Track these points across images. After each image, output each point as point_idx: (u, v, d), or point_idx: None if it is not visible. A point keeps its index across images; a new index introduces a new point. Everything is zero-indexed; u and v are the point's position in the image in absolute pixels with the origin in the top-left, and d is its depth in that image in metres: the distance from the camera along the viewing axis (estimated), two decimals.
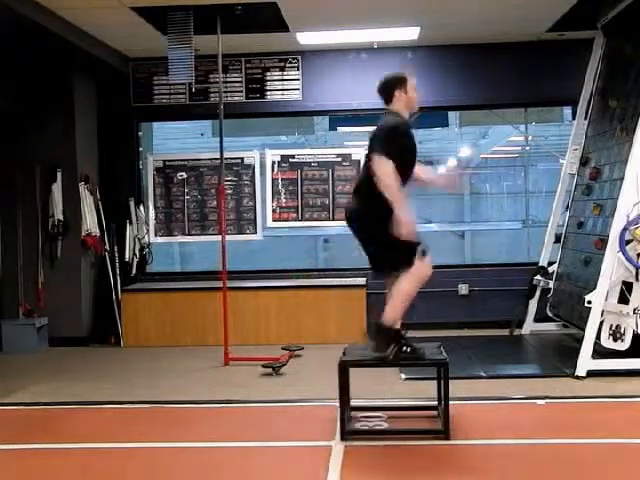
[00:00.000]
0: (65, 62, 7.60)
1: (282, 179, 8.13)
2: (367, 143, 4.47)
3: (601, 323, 5.69)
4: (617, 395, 5.17)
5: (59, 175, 7.71)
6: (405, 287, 4.21)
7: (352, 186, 4.42)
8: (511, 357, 6.70)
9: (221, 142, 6.84)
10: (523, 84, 7.94)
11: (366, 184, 4.28)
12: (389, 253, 4.24)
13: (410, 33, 7.49)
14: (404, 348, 4.37)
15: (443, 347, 4.57)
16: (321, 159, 8.15)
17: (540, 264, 7.51)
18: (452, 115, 10.26)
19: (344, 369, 4.37)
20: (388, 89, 4.43)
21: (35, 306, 7.68)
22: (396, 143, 4.20)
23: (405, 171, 4.27)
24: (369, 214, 4.26)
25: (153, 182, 8.21)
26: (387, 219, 4.11)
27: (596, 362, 5.69)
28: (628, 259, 5.59)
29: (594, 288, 5.74)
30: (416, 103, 4.48)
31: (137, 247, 8.16)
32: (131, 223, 8.16)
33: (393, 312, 4.25)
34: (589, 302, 5.69)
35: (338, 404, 4.35)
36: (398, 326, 4.35)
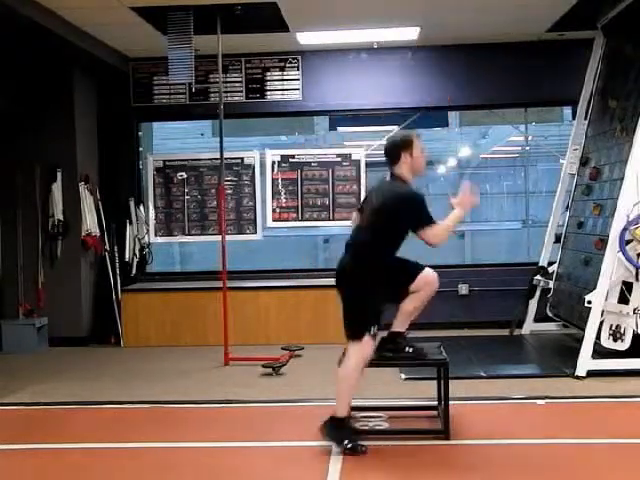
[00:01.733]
0: (65, 62, 7.60)
1: (282, 179, 8.12)
2: (367, 196, 4.52)
3: (601, 323, 5.69)
4: (617, 395, 5.17)
5: (59, 175, 7.71)
6: (345, 371, 4.18)
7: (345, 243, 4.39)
8: (511, 357, 6.70)
9: (221, 142, 6.84)
10: (523, 84, 7.93)
11: (359, 243, 4.29)
12: (349, 314, 4.24)
13: (410, 33, 7.49)
14: (406, 349, 4.39)
15: (443, 347, 4.57)
16: (321, 159, 8.14)
17: (540, 264, 7.51)
18: (452, 115, 10.28)
19: None
20: (395, 151, 4.32)
21: (35, 306, 7.68)
22: (424, 209, 4.18)
23: (401, 233, 4.28)
24: (354, 270, 4.23)
25: (153, 182, 8.21)
26: (366, 281, 4.15)
27: (596, 362, 5.69)
28: (628, 259, 5.59)
29: (594, 288, 5.74)
30: (423, 167, 4.39)
31: (137, 247, 8.16)
32: (131, 223, 8.15)
33: (340, 402, 4.17)
34: (589, 302, 5.69)
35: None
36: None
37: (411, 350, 4.39)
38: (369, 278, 4.16)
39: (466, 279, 8.08)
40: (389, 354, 4.35)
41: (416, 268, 4.31)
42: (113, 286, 7.92)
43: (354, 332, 4.17)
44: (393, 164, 4.32)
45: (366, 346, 4.14)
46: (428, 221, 4.13)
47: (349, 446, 4.08)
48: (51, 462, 4.17)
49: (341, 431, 4.12)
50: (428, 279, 4.30)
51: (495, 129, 12.15)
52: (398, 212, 4.18)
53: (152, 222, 8.19)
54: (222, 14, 6.55)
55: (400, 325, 4.39)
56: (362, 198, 4.39)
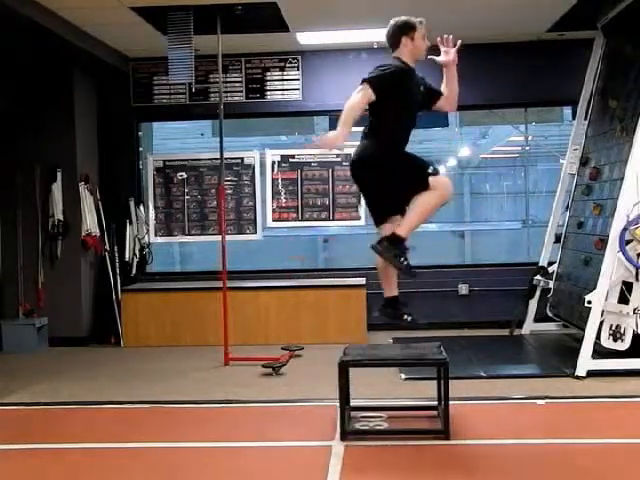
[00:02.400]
0: (65, 62, 7.60)
1: (282, 179, 8.13)
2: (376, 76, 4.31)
3: (601, 323, 5.69)
4: (617, 395, 5.16)
5: (59, 175, 7.71)
6: (428, 200, 4.08)
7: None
8: (511, 357, 6.70)
9: (221, 142, 6.84)
10: (523, 84, 7.93)
11: (368, 127, 4.25)
12: (401, 178, 4.13)
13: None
14: (405, 317, 4.39)
15: (443, 347, 4.57)
16: (321, 159, 8.14)
17: (540, 264, 7.50)
18: (452, 115, 10.26)
19: (344, 369, 4.37)
20: (395, 35, 4.27)
21: (35, 306, 7.68)
22: (387, 81, 4.09)
23: (401, 116, 4.21)
24: (373, 152, 4.18)
25: (153, 182, 8.21)
26: (389, 152, 4.11)
27: (596, 362, 5.69)
28: (628, 259, 5.59)
29: (594, 288, 5.74)
30: (423, 52, 4.32)
31: (137, 247, 8.16)
32: (131, 223, 8.16)
33: (412, 224, 4.13)
34: (589, 302, 5.69)
35: (338, 404, 4.35)
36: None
37: (409, 319, 4.38)
38: (388, 156, 4.13)
39: (466, 279, 8.07)
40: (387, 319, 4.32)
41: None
42: (113, 286, 7.92)
43: (423, 181, 4.06)
44: (394, 48, 4.28)
45: (441, 182, 4.09)
46: (368, 79, 4.07)
47: (405, 263, 4.06)
48: (51, 462, 4.17)
49: (400, 249, 4.09)
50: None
51: (495, 129, 12.13)
52: (410, 87, 4.18)
53: (152, 222, 8.19)
54: (222, 14, 6.55)
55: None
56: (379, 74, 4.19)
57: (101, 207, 8.00)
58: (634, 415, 4.83)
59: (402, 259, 4.14)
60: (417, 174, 4.16)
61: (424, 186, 4.11)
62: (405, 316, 4.38)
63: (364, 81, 4.06)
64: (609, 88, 6.87)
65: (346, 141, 4.02)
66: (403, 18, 4.37)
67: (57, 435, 4.70)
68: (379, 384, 5.49)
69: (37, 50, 7.31)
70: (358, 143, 4.33)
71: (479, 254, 12.28)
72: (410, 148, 4.41)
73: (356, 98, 4.06)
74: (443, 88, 4.41)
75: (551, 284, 7.26)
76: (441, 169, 10.89)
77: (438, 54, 4.37)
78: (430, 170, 4.13)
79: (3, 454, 4.34)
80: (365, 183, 4.35)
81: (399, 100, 4.18)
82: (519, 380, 5.70)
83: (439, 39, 4.28)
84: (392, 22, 4.36)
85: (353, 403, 4.60)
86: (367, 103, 4.14)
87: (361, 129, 4.35)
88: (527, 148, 9.06)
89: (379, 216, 4.39)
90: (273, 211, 8.15)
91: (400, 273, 4.27)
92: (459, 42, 4.31)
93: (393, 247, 4.14)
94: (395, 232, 4.18)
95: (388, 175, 4.17)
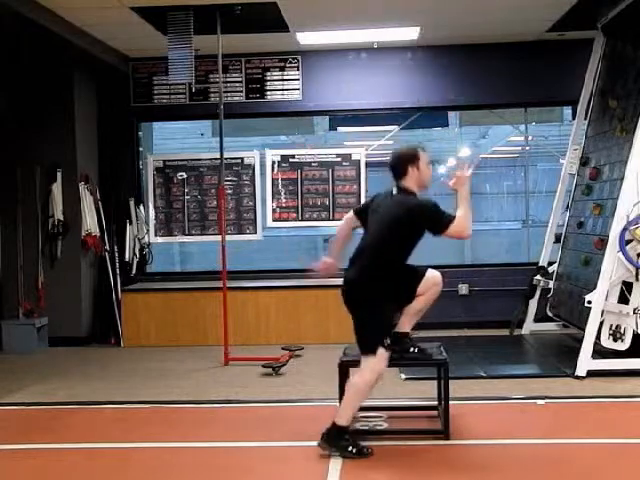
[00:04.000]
0: (65, 62, 7.60)
1: (282, 179, 8.12)
2: (370, 205, 4.46)
3: (601, 323, 5.69)
4: (617, 395, 5.17)
5: (59, 175, 7.71)
6: (359, 382, 4.12)
7: (350, 258, 4.35)
8: (511, 357, 6.70)
9: (221, 142, 6.84)
10: (523, 84, 7.93)
11: (368, 252, 4.24)
12: (362, 330, 4.17)
13: (410, 33, 7.49)
14: (411, 349, 4.38)
15: (443, 347, 4.57)
16: (321, 159, 8.14)
17: (540, 264, 7.51)
18: (452, 115, 10.26)
19: (344, 369, 4.38)
20: (401, 165, 4.28)
21: (35, 306, 7.68)
22: (440, 211, 4.14)
23: (412, 245, 4.26)
24: (363, 286, 4.19)
25: (153, 182, 8.20)
26: (378, 292, 4.12)
27: (596, 362, 5.69)
28: (628, 259, 5.59)
29: (594, 288, 5.74)
30: (429, 179, 4.33)
31: (137, 247, 8.16)
32: (131, 223, 8.15)
33: (346, 412, 4.11)
34: (589, 302, 5.69)
35: (338, 404, 4.35)
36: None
37: (416, 350, 4.38)
38: (379, 291, 4.13)
39: (466, 279, 8.08)
40: (395, 355, 4.31)
41: (420, 271, 4.31)
42: (113, 286, 7.92)
43: (368, 346, 4.12)
44: (400, 178, 4.28)
45: (381, 360, 4.09)
46: (449, 219, 4.08)
47: (354, 452, 4.05)
48: (51, 462, 4.17)
49: (344, 439, 4.08)
50: (435, 280, 4.32)
51: (495, 129, 12.14)
52: (414, 223, 4.15)
53: (152, 222, 8.18)
54: (222, 14, 6.55)
55: (405, 326, 4.37)
56: (363, 202, 4.34)
57: (101, 207, 8.00)
58: (634, 415, 4.82)
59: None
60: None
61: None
62: (412, 349, 4.39)
63: (448, 223, 4.10)
64: (609, 88, 6.87)
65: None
66: (406, 149, 4.41)
67: (57, 435, 4.70)
68: (379, 384, 5.48)
69: (37, 50, 7.31)
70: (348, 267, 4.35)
71: (479, 254, 12.28)
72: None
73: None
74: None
75: (551, 284, 7.26)
76: (441, 169, 10.91)
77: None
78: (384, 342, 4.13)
79: (3, 454, 4.34)
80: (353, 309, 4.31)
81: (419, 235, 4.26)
82: (519, 380, 5.70)
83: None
84: (396, 153, 4.40)
85: None
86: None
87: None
88: (527, 148, 9.06)
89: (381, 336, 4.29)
90: (273, 211, 8.14)
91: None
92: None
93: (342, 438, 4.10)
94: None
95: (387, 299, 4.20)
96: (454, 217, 4.08)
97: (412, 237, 4.22)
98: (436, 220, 4.12)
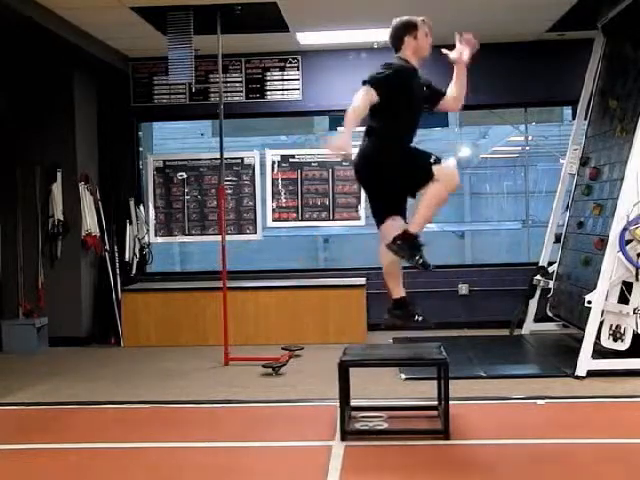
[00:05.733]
0: (65, 62, 7.59)
1: (282, 179, 8.12)
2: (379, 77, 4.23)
3: (601, 323, 5.69)
4: (617, 395, 5.16)
5: (59, 175, 7.70)
6: (436, 192, 4.03)
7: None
8: (511, 357, 6.69)
9: (221, 142, 6.84)
10: (523, 84, 7.93)
11: (371, 128, 4.20)
12: (406, 174, 4.09)
13: None
14: (416, 317, 4.35)
15: (443, 347, 4.57)
16: (321, 159, 8.14)
17: (540, 264, 7.50)
18: (452, 115, 10.26)
19: (344, 369, 4.37)
20: (397, 35, 4.21)
21: (35, 306, 7.68)
22: (389, 81, 4.04)
23: (404, 115, 4.17)
24: (377, 152, 4.14)
25: (153, 182, 8.21)
26: (393, 151, 4.07)
27: (596, 362, 5.69)
28: (628, 259, 5.59)
29: (594, 288, 5.74)
30: (427, 50, 4.26)
31: (137, 247, 8.16)
32: (131, 223, 8.15)
33: (422, 219, 4.09)
34: (589, 302, 5.69)
35: (338, 404, 4.35)
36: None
37: (420, 319, 4.35)
38: (397, 150, 4.10)
39: (466, 279, 8.07)
40: (397, 317, 4.28)
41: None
42: (113, 286, 7.92)
43: (427, 172, 4.01)
44: (397, 49, 4.23)
45: (447, 171, 4.05)
46: (369, 81, 4.01)
47: (421, 261, 4.04)
48: (51, 462, 4.17)
49: (414, 246, 4.06)
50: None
51: (495, 129, 12.14)
52: (397, 87, 4.08)
53: (152, 222, 8.19)
54: (222, 14, 6.55)
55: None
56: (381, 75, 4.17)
57: (101, 207, 8.00)
58: (634, 415, 4.82)
59: (418, 257, 4.12)
60: (420, 166, 4.12)
61: (429, 177, 4.07)
62: (416, 316, 4.36)
63: (365, 82, 4.02)
64: (609, 88, 6.87)
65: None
66: (405, 17, 4.33)
67: (57, 435, 4.70)
68: (379, 384, 5.49)
69: (37, 50, 7.31)
70: (360, 144, 4.30)
71: (479, 254, 12.28)
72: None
73: (359, 101, 3.99)
74: (451, 86, 4.36)
75: (551, 284, 7.26)
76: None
77: (440, 54, 4.33)
78: (432, 159, 4.08)
79: (3, 454, 4.34)
80: (370, 183, 4.32)
81: (402, 100, 4.15)
82: (519, 380, 5.70)
83: (457, 35, 4.21)
84: (394, 22, 4.33)
85: (353, 403, 4.60)
86: (370, 105, 4.07)
87: (362, 129, 4.32)
88: (527, 148, 9.06)
89: (383, 215, 4.36)
90: (273, 211, 8.14)
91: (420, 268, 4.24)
92: (477, 44, 4.25)
93: (407, 245, 4.11)
94: (407, 229, 4.16)
95: (393, 173, 4.14)
96: (390, 101, 4.02)
97: (399, 102, 4.12)
98: (436, 90, 4.18)
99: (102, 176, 8.23)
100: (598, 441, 4.26)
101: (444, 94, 4.38)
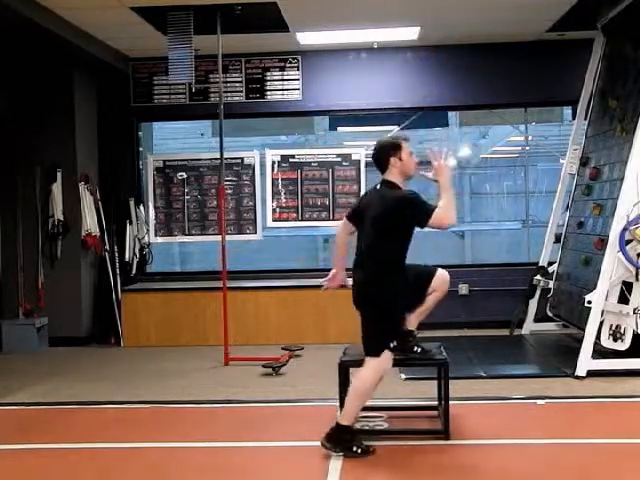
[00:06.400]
0: (65, 62, 7.60)
1: (282, 179, 8.12)
2: (359, 207, 4.47)
3: (601, 323, 5.69)
4: (617, 395, 5.17)
5: (59, 175, 7.71)
6: (361, 384, 4.11)
7: (354, 261, 4.33)
8: (511, 357, 6.70)
9: (221, 142, 6.84)
10: (523, 84, 7.93)
11: (367, 254, 4.21)
12: (369, 331, 4.18)
13: (410, 33, 7.48)
14: (415, 348, 4.36)
15: (443, 347, 4.57)
16: (321, 159, 8.13)
17: (540, 264, 7.50)
18: (452, 115, 10.28)
19: (344, 369, 4.38)
20: (382, 157, 4.24)
21: (35, 306, 7.68)
22: (423, 202, 4.10)
23: (404, 239, 4.21)
24: (371, 289, 4.18)
25: (153, 182, 8.20)
26: (385, 298, 4.12)
27: (596, 362, 5.69)
28: (628, 259, 5.59)
29: (594, 288, 5.74)
30: (412, 169, 4.26)
31: (137, 247, 8.16)
32: (131, 223, 8.15)
33: (350, 412, 4.10)
34: (589, 302, 5.69)
35: (338, 404, 4.35)
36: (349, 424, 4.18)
37: (419, 350, 4.37)
38: (389, 289, 4.11)
39: (466, 279, 8.07)
40: (398, 353, 4.29)
41: (429, 270, 4.31)
42: (113, 286, 7.92)
43: (374, 348, 4.11)
44: (383, 170, 4.26)
45: (385, 361, 4.10)
46: (431, 208, 4.05)
47: (359, 451, 4.04)
48: (51, 462, 4.17)
49: (348, 439, 4.07)
50: (444, 278, 4.30)
51: (495, 129, 12.15)
52: (398, 217, 4.11)
53: (152, 222, 8.18)
54: (222, 14, 6.55)
55: (412, 324, 4.36)
56: (354, 206, 4.36)
57: (101, 207, 8.00)
58: (634, 415, 4.83)
59: (355, 448, 4.08)
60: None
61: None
62: (415, 348, 4.38)
63: (431, 213, 4.05)
64: (609, 88, 6.87)
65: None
66: (387, 139, 4.45)
67: (57, 435, 4.70)
68: (379, 384, 5.48)
69: (37, 50, 7.31)
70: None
71: (479, 254, 12.29)
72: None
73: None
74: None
75: (551, 284, 7.26)
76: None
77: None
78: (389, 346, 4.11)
79: (3, 454, 4.34)
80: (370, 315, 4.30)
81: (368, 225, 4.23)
82: (519, 380, 5.71)
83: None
84: (377, 144, 4.38)
85: None
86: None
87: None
88: (527, 148, 9.07)
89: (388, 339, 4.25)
90: (273, 211, 8.14)
91: None
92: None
93: (341, 440, 4.07)
94: (338, 422, 4.11)
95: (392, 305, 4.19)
96: (435, 207, 4.05)
97: (401, 231, 4.16)
98: (418, 211, 4.08)
99: (102, 176, 8.23)
100: (598, 441, 4.27)
101: (425, 214, 4.13)
